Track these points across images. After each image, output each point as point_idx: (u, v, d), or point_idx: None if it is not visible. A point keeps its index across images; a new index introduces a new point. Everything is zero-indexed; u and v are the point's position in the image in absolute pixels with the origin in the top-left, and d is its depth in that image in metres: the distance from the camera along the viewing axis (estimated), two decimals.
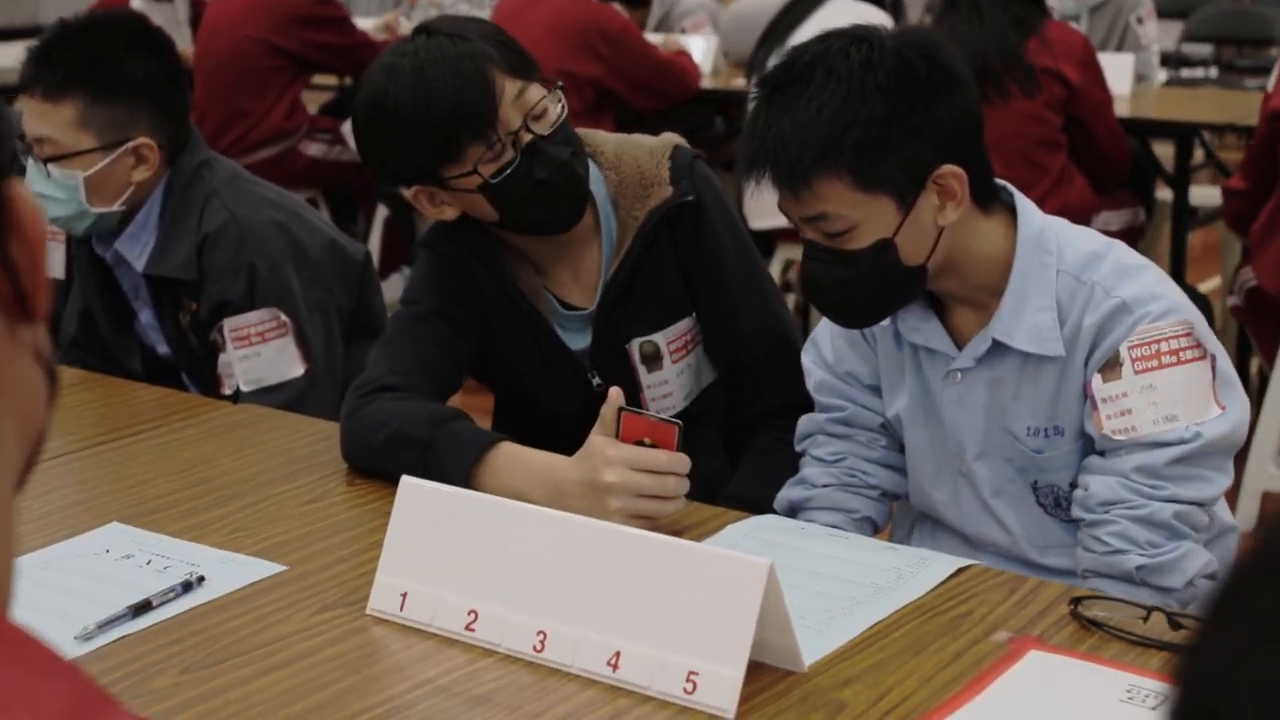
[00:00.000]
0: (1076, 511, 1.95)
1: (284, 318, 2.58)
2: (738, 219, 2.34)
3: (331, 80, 6.64)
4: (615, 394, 1.91)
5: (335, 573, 1.79)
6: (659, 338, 2.29)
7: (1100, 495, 1.90)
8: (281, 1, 5.48)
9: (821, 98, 1.87)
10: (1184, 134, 4.96)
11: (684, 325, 2.31)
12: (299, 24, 5.49)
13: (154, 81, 2.60)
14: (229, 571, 1.79)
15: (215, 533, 1.90)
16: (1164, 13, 5.90)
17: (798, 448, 2.25)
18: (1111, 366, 1.91)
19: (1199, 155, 5.30)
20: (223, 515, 1.96)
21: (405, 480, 1.72)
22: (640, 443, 1.86)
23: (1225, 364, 1.93)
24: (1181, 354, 1.89)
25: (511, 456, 1.97)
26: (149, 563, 1.81)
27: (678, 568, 1.52)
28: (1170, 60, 6.97)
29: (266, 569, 1.80)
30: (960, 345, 2.03)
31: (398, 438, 2.02)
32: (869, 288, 1.94)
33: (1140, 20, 5.43)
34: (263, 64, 5.44)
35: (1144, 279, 1.94)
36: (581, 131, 2.28)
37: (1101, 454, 1.94)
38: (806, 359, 2.24)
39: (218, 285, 2.58)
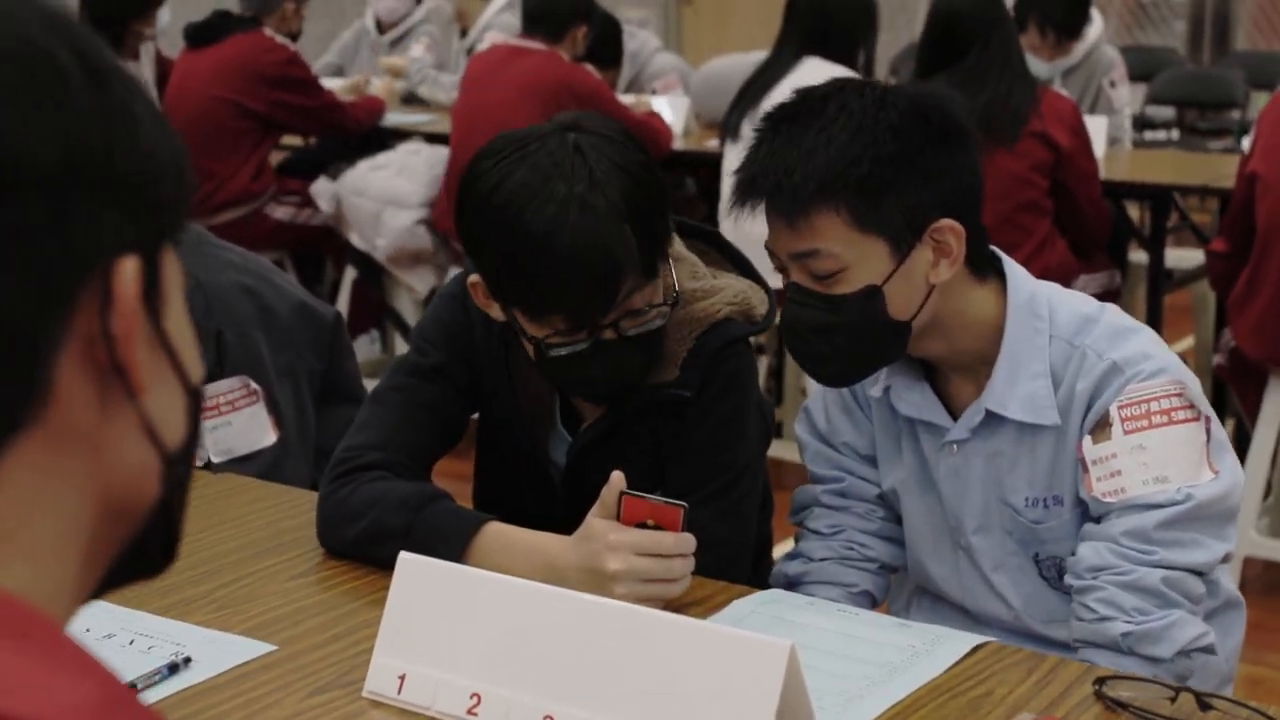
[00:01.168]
0: (1068, 579, 1.91)
1: (254, 385, 2.49)
2: (746, 420, 2.06)
3: (295, 140, 6.58)
4: (617, 478, 1.81)
5: (327, 652, 1.72)
6: None
7: (1088, 561, 1.86)
8: (249, 61, 5.44)
9: (832, 129, 1.83)
10: (1159, 197, 4.96)
11: None
12: (267, 84, 5.45)
13: None
14: (216, 652, 1.71)
15: (199, 610, 1.83)
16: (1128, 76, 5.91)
17: (793, 520, 2.20)
18: (1102, 427, 1.88)
19: (1173, 218, 5.30)
20: (207, 591, 1.88)
21: (404, 556, 1.65)
22: (643, 525, 1.79)
23: (1219, 429, 1.90)
24: (1173, 414, 1.86)
25: (501, 538, 1.88)
26: (132, 642, 1.74)
27: (694, 649, 1.45)
28: (1135, 123, 7.00)
29: (256, 649, 1.72)
30: (955, 415, 1.99)
31: (376, 529, 1.92)
32: (851, 338, 1.89)
33: (1113, 84, 5.43)
34: (230, 125, 5.39)
35: (1137, 341, 1.91)
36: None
37: (1097, 520, 1.90)
38: (800, 429, 2.18)
39: None
